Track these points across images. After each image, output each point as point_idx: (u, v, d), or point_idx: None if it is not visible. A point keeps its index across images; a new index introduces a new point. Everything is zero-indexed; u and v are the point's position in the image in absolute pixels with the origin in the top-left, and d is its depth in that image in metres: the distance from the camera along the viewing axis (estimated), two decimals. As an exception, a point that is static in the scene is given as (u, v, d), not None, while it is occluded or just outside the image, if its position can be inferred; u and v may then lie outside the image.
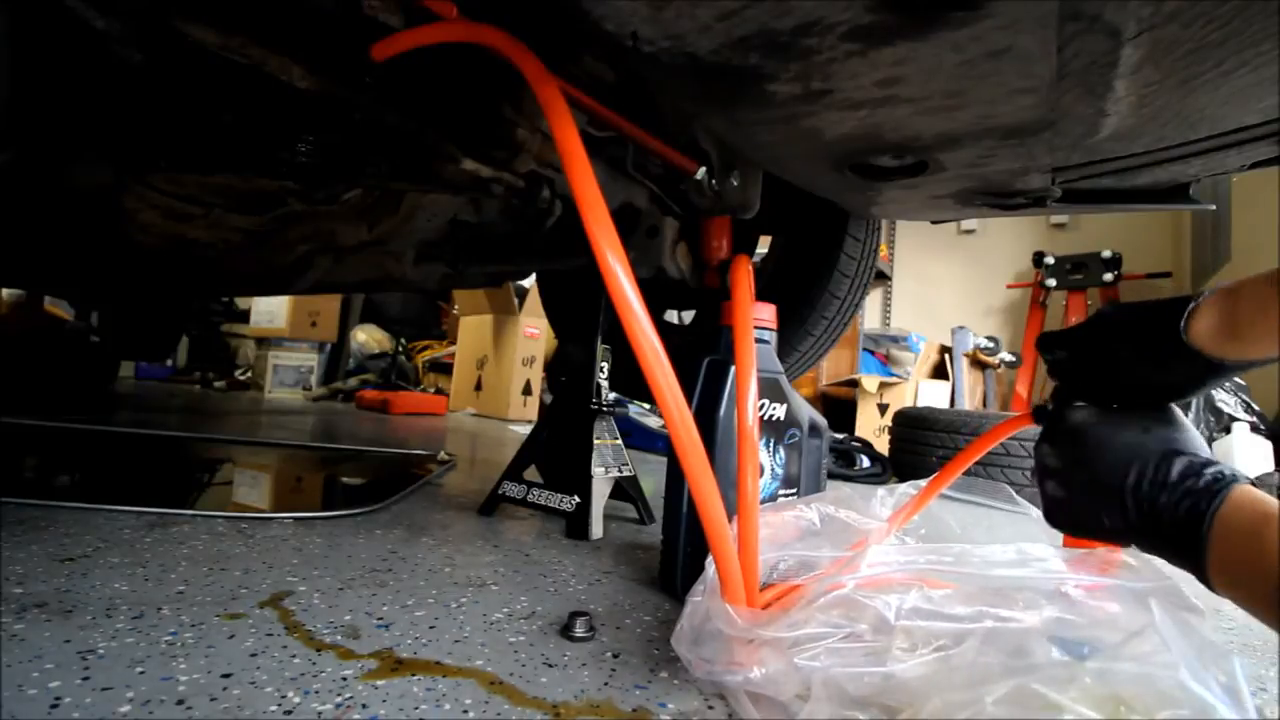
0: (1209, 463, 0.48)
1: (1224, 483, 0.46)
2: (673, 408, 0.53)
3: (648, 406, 2.52)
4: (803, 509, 0.66)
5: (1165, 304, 0.51)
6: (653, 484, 1.43)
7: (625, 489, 1.14)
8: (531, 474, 1.12)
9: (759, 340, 0.75)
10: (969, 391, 3.69)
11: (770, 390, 0.78)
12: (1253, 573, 0.42)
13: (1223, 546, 0.44)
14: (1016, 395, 3.05)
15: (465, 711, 0.48)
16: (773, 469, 0.79)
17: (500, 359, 3.32)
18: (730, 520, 0.57)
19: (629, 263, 0.52)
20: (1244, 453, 2.29)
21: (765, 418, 0.78)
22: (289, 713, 0.46)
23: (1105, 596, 0.47)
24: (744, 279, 0.74)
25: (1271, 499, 0.44)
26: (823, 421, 0.85)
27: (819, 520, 0.66)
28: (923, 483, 0.72)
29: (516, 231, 1.25)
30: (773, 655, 0.48)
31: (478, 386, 3.40)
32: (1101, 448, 0.52)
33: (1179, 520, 0.46)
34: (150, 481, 1.29)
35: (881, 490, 0.71)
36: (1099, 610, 0.47)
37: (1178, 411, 0.54)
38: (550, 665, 0.57)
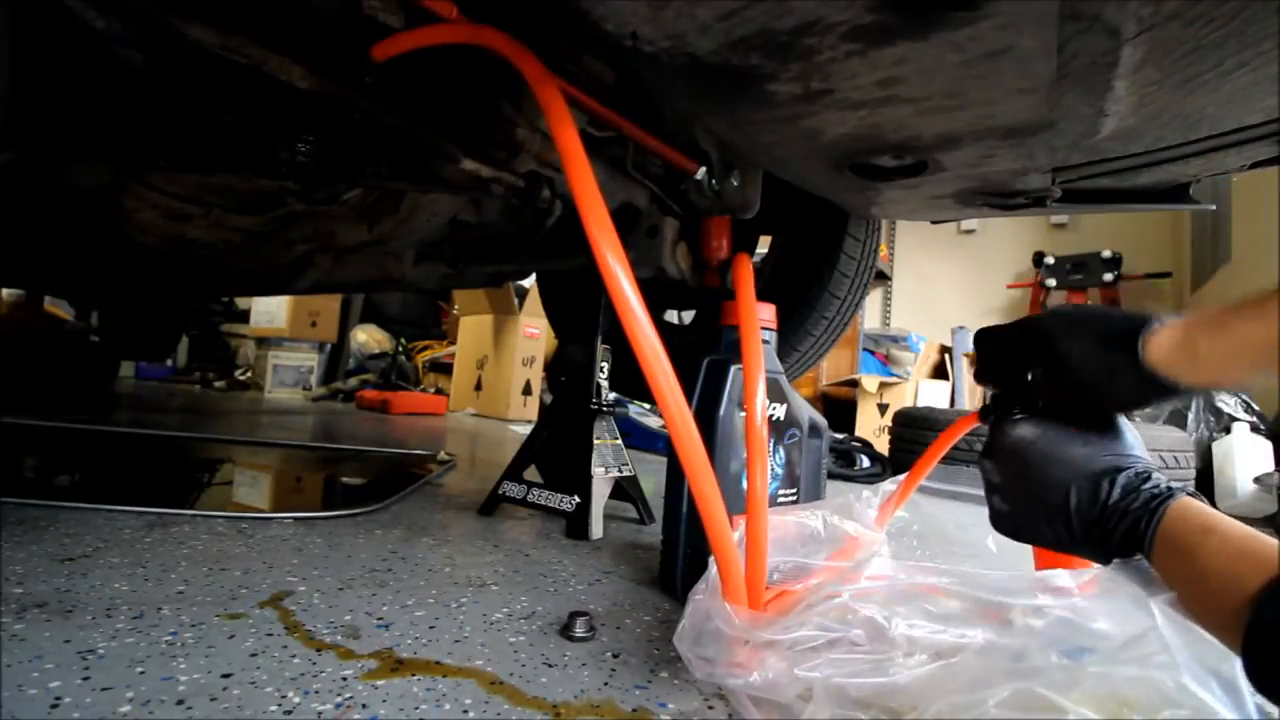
0: (1147, 477, 0.49)
1: (1161, 499, 0.46)
2: (673, 408, 0.53)
3: (648, 406, 2.52)
4: (805, 514, 0.67)
5: (1126, 317, 0.50)
6: (653, 484, 1.43)
7: (625, 489, 1.14)
8: (531, 474, 1.12)
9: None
10: (969, 391, 3.69)
11: (771, 390, 0.78)
12: (1190, 587, 0.42)
13: (1163, 563, 0.44)
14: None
15: (465, 711, 0.48)
16: (773, 469, 0.79)
17: (500, 359, 3.32)
18: (731, 520, 0.57)
19: (629, 263, 0.52)
20: (1244, 453, 2.28)
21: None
22: (289, 713, 0.46)
23: (1105, 601, 0.47)
24: (747, 278, 0.74)
25: (1209, 511, 0.44)
26: (823, 421, 0.85)
27: (822, 527, 0.66)
28: (901, 478, 0.74)
29: (516, 231, 1.25)
30: (774, 658, 0.48)
31: (478, 386, 3.39)
32: (1044, 465, 0.52)
33: (1121, 540, 0.47)
34: (150, 481, 1.29)
35: (866, 491, 0.72)
36: (1099, 615, 0.47)
37: (1119, 417, 0.54)
38: (550, 665, 0.57)
